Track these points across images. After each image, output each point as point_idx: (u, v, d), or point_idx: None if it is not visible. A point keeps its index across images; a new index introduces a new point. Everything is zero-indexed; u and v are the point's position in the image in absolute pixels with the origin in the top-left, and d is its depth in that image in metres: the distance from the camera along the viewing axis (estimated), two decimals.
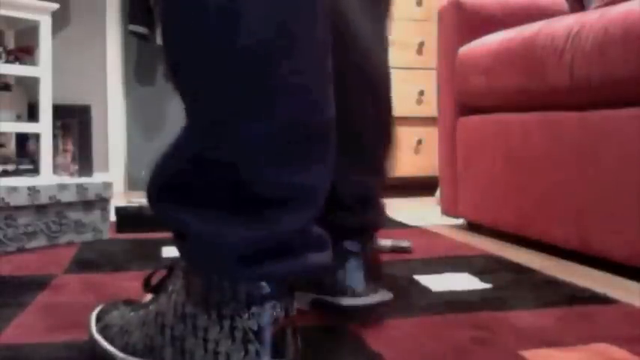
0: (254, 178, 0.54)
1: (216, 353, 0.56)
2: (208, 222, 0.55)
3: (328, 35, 0.57)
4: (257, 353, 0.55)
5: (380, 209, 0.88)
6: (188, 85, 0.56)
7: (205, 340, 0.56)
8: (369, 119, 0.84)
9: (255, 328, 0.55)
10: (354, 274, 0.81)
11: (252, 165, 0.54)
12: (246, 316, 0.55)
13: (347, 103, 0.71)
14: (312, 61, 0.55)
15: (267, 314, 0.55)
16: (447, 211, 1.80)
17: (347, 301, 0.81)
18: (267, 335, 0.55)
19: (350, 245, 0.82)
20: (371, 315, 0.82)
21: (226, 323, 0.56)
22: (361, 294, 0.81)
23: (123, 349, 0.63)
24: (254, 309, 0.55)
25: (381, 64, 0.86)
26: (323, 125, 0.57)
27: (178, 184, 0.57)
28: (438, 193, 2.04)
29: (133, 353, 0.62)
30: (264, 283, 0.56)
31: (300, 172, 0.55)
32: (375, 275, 0.84)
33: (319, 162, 0.57)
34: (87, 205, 1.45)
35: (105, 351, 0.65)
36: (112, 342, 0.65)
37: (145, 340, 0.61)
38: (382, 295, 0.82)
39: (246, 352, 0.55)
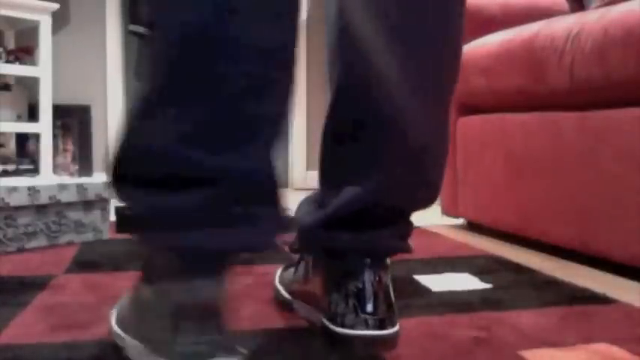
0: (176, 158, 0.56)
1: (151, 328, 0.59)
2: (132, 194, 0.59)
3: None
4: (176, 328, 0.56)
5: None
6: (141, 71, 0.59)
7: (147, 312, 0.60)
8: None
9: (165, 303, 0.57)
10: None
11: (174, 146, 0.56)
12: (170, 288, 0.57)
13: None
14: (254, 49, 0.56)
15: (173, 293, 0.57)
16: (447, 211, 1.80)
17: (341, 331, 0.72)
18: (172, 312, 0.56)
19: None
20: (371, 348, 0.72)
21: (155, 295, 0.59)
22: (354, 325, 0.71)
23: (125, 331, 0.66)
24: (168, 282, 0.57)
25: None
26: (256, 115, 0.57)
27: (122, 164, 0.60)
28: None
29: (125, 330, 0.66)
30: (175, 256, 0.58)
31: (220, 154, 0.56)
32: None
33: (246, 145, 0.57)
34: (87, 205, 1.45)
35: (120, 338, 0.68)
36: (124, 330, 0.67)
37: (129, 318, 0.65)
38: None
39: (176, 328, 0.56)
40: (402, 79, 0.68)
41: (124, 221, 0.60)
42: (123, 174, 0.60)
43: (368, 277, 0.71)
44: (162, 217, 0.57)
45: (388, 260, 0.75)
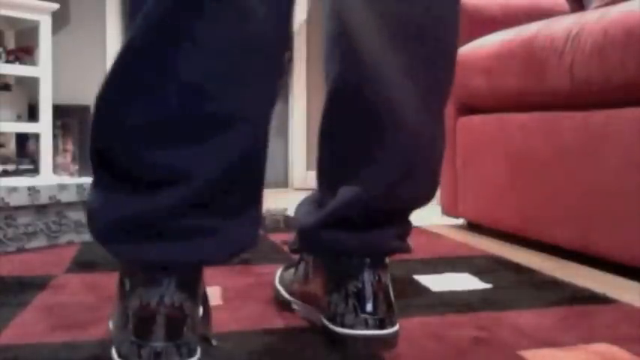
0: (132, 160, 0.57)
1: (115, 327, 0.61)
2: (96, 196, 0.60)
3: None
4: (119, 328, 0.59)
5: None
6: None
7: (119, 311, 0.61)
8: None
9: (132, 308, 0.58)
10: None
11: (130, 147, 0.56)
12: (127, 295, 0.59)
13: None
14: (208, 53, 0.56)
15: (135, 297, 0.58)
16: (447, 211, 1.80)
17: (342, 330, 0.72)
18: (134, 318, 0.58)
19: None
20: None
21: (120, 300, 0.60)
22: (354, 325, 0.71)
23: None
24: (127, 288, 0.59)
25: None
26: (207, 114, 0.57)
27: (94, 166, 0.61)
28: (438, 193, 2.04)
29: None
30: (130, 265, 0.59)
31: (173, 153, 0.56)
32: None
33: (196, 143, 0.57)
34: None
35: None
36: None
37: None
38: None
39: (125, 326, 0.59)
40: (398, 79, 0.68)
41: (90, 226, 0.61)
42: (96, 178, 0.61)
43: (367, 277, 0.71)
44: (119, 229, 0.58)
45: (387, 260, 0.75)
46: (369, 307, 0.70)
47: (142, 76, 0.55)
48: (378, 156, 0.70)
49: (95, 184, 0.61)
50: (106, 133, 0.58)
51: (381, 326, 0.70)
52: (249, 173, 0.62)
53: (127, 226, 0.58)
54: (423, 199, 0.75)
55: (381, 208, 0.72)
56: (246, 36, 0.57)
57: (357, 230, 0.72)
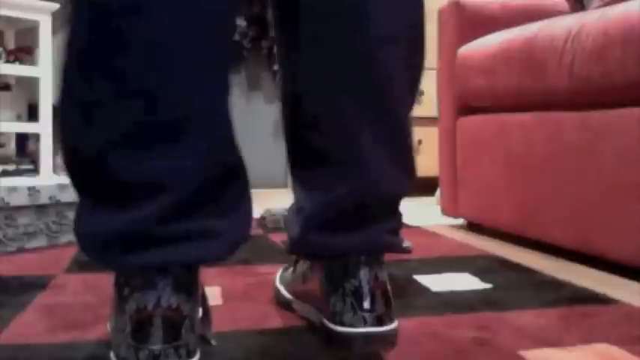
0: (118, 165, 0.56)
1: (113, 330, 0.61)
2: (82, 211, 0.61)
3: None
4: (117, 331, 0.59)
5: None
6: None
7: (116, 314, 0.61)
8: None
9: (129, 312, 0.58)
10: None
11: (116, 151, 0.56)
12: (124, 299, 0.59)
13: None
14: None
15: (132, 301, 0.58)
16: (447, 211, 1.80)
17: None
18: (131, 321, 0.58)
19: None
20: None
21: (117, 304, 0.60)
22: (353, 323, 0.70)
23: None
24: (124, 293, 0.59)
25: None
26: (187, 115, 0.57)
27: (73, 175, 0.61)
28: (438, 193, 2.04)
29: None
30: (126, 271, 0.59)
31: (156, 157, 0.56)
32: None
33: (178, 148, 0.57)
34: None
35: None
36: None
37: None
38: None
39: (122, 329, 0.59)
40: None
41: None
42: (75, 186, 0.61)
43: (364, 274, 0.71)
44: (107, 243, 0.58)
45: (382, 257, 0.74)
46: (366, 304, 0.70)
47: (89, 95, 0.56)
48: (352, 152, 0.70)
49: (79, 204, 0.61)
50: (74, 156, 0.58)
51: (380, 323, 0.70)
52: (227, 168, 0.62)
53: (115, 239, 0.58)
54: (400, 190, 0.73)
55: (358, 205, 0.71)
56: (189, 28, 0.56)
57: (343, 230, 0.72)
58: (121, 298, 0.60)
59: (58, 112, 0.58)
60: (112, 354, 0.59)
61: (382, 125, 0.69)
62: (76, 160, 0.59)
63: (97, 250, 0.60)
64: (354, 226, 0.72)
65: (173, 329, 0.58)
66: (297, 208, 0.77)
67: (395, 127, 0.70)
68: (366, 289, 0.70)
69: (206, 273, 1.09)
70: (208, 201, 0.60)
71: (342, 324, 0.70)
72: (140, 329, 0.57)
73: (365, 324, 0.70)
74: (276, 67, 2.13)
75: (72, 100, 0.57)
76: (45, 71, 2.44)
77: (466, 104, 1.67)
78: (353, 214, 0.71)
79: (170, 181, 0.57)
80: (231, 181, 0.63)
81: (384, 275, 0.72)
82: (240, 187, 0.64)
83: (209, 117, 0.59)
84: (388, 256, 1.28)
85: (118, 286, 0.61)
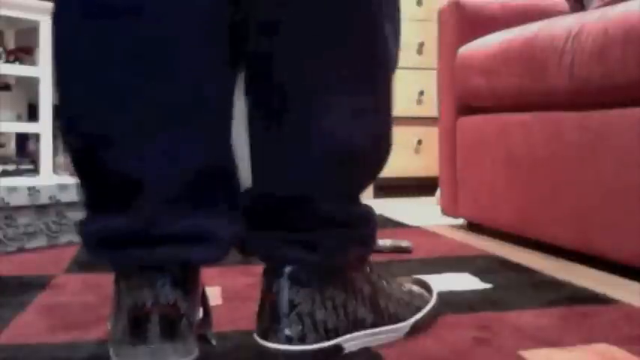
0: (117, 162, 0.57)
1: (112, 328, 0.61)
2: (85, 209, 0.62)
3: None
4: (116, 328, 0.60)
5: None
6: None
7: (115, 312, 0.62)
8: None
9: (127, 309, 0.59)
10: None
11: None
12: (122, 297, 0.60)
13: None
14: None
15: (130, 298, 0.59)
16: (447, 211, 1.80)
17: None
18: (129, 318, 0.58)
19: None
20: None
21: (116, 301, 0.61)
22: None
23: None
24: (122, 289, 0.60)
25: None
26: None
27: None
28: (438, 193, 2.04)
29: None
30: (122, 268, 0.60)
31: (150, 155, 0.57)
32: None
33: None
34: None
35: None
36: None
37: None
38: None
39: (121, 327, 0.59)
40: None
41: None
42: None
43: (263, 284, 0.68)
44: (103, 238, 0.59)
45: (288, 268, 0.67)
46: (259, 314, 0.68)
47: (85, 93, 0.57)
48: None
49: (84, 203, 0.63)
50: (73, 145, 0.59)
51: (264, 337, 0.66)
52: (222, 169, 0.62)
53: (113, 237, 0.59)
54: (289, 196, 0.66)
55: (258, 206, 0.68)
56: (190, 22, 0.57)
57: (253, 230, 0.69)
58: (119, 295, 0.60)
59: (59, 100, 0.59)
60: (111, 351, 0.60)
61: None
62: (74, 151, 0.59)
63: (96, 247, 0.60)
64: (258, 227, 0.68)
65: (170, 326, 0.58)
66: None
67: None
68: (262, 299, 0.68)
69: (206, 273, 1.08)
70: (204, 201, 0.60)
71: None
72: (138, 326, 0.57)
73: (257, 334, 0.68)
74: None
75: (71, 96, 0.58)
76: (45, 71, 2.44)
77: (466, 104, 1.67)
78: (256, 214, 0.68)
79: (167, 180, 0.57)
80: (226, 181, 0.63)
81: (280, 287, 0.66)
82: (234, 188, 0.64)
83: (208, 115, 0.59)
84: (388, 256, 1.28)
85: (117, 283, 0.61)
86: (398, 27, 0.73)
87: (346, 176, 0.67)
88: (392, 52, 0.70)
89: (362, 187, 0.71)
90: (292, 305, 0.65)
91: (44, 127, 2.43)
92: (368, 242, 0.73)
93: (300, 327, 0.65)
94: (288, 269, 0.66)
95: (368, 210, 0.72)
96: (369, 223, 0.72)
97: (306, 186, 0.65)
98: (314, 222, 0.66)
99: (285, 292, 0.66)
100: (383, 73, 0.68)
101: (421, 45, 2.71)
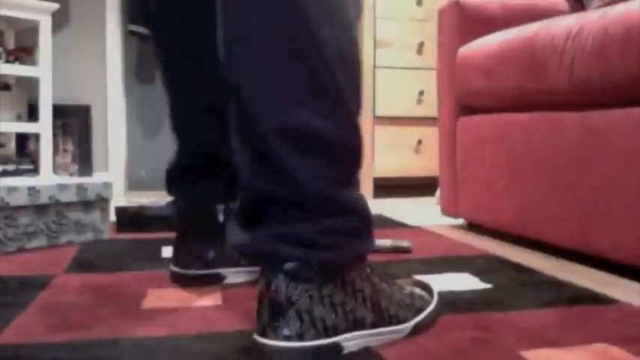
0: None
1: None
2: None
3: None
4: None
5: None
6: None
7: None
8: None
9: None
10: None
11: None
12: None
13: None
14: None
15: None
16: (447, 211, 1.80)
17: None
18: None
19: None
20: None
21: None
22: None
23: None
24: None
25: None
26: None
27: None
28: (438, 193, 2.04)
29: None
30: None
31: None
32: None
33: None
34: (87, 205, 1.45)
35: None
36: None
37: None
38: None
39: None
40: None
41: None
42: None
43: (262, 282, 0.68)
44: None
45: (290, 265, 0.67)
46: (259, 312, 0.68)
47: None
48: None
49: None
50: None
51: (263, 334, 0.67)
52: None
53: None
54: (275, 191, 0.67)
55: (248, 202, 0.68)
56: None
57: (243, 229, 0.70)
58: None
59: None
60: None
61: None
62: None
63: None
64: (248, 226, 0.69)
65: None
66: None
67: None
68: (259, 297, 0.69)
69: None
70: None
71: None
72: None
73: (256, 332, 0.68)
74: None
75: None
76: (45, 71, 2.44)
77: (466, 104, 1.67)
78: (246, 212, 0.69)
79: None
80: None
81: (279, 283, 0.66)
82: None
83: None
84: (388, 256, 1.28)
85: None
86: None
87: (319, 163, 0.67)
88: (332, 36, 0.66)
89: (341, 175, 0.69)
90: (290, 302, 0.66)
91: (44, 127, 2.43)
92: (363, 235, 0.71)
93: (299, 324, 0.65)
94: (286, 266, 0.66)
95: (357, 200, 0.71)
96: (360, 212, 0.71)
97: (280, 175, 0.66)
98: (299, 213, 0.67)
99: (283, 289, 0.66)
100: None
101: (421, 45, 2.71)
